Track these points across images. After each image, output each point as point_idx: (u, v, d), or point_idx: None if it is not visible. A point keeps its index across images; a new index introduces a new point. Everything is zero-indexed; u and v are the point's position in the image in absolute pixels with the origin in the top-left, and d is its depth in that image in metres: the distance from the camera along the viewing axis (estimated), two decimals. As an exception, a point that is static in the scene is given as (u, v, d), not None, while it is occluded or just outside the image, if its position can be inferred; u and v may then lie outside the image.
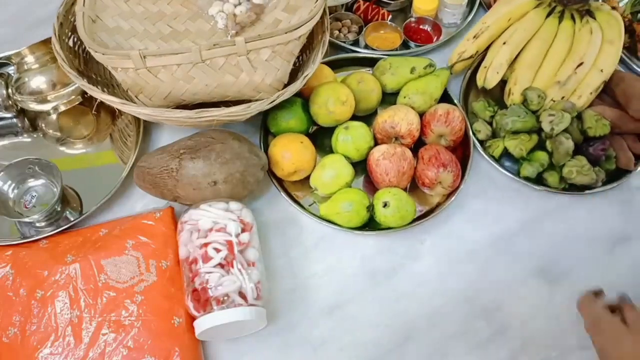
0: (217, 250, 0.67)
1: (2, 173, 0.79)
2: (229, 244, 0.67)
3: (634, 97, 0.83)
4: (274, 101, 0.73)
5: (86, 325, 0.68)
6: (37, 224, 0.78)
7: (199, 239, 0.68)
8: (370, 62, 0.92)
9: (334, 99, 0.80)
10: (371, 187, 0.81)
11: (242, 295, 0.65)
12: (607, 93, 0.88)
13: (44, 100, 0.84)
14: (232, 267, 0.66)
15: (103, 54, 0.71)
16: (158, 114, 0.72)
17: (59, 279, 0.70)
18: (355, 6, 1.02)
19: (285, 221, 0.79)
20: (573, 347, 0.70)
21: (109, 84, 0.86)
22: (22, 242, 0.75)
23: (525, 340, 0.71)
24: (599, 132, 0.80)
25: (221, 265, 0.66)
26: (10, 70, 0.89)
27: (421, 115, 0.84)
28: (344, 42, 0.96)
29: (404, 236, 0.78)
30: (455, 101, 0.87)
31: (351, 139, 0.80)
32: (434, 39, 0.98)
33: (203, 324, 0.64)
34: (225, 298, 0.64)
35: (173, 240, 0.73)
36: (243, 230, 0.70)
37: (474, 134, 0.84)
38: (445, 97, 0.87)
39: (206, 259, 0.66)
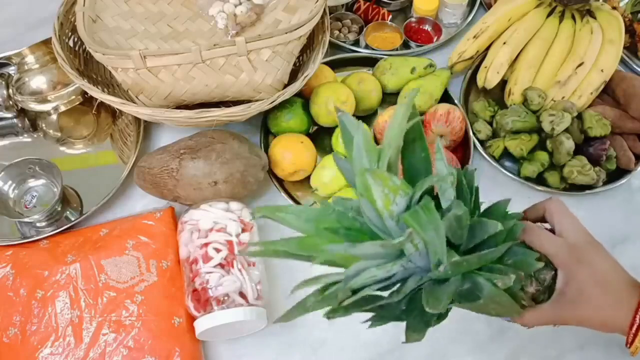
0: (218, 250, 0.67)
1: (2, 173, 0.79)
2: (230, 244, 0.67)
3: (634, 97, 0.83)
4: (274, 101, 0.73)
5: (86, 325, 0.68)
6: (38, 224, 0.78)
7: (200, 239, 0.68)
8: (371, 62, 0.92)
9: (334, 99, 0.80)
10: (371, 187, 0.81)
11: (242, 295, 0.65)
12: (608, 93, 0.88)
13: (45, 101, 0.84)
14: (233, 267, 0.66)
15: (103, 54, 0.71)
16: (158, 114, 0.72)
17: (60, 279, 0.70)
18: (355, 6, 1.02)
19: (285, 221, 0.79)
20: (573, 347, 0.70)
21: (109, 84, 0.86)
22: (22, 242, 0.75)
23: (525, 340, 0.71)
24: (599, 132, 0.80)
25: (221, 266, 0.66)
26: (11, 70, 0.89)
27: (421, 115, 0.84)
28: (344, 42, 0.96)
29: (404, 236, 0.78)
30: (456, 101, 0.87)
31: (351, 139, 0.80)
32: (435, 39, 0.98)
33: (203, 324, 0.64)
34: (226, 298, 0.65)
35: (173, 240, 0.73)
36: (243, 230, 0.70)
37: (474, 134, 0.84)
38: (446, 97, 0.87)
39: (206, 259, 0.66)
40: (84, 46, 0.83)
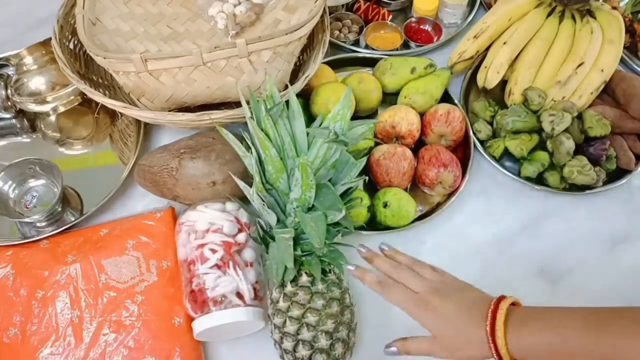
0: (214, 251, 0.67)
1: (2, 173, 0.79)
2: (226, 245, 0.67)
3: (634, 97, 0.83)
4: (274, 102, 0.74)
5: (87, 325, 0.68)
6: (38, 224, 0.78)
7: (196, 240, 0.68)
8: (371, 62, 0.92)
9: (334, 99, 0.80)
10: (371, 187, 0.81)
11: (239, 295, 0.65)
12: (608, 93, 0.88)
13: (43, 102, 0.84)
14: (229, 267, 0.66)
15: (104, 58, 0.70)
16: (160, 117, 0.72)
17: (60, 279, 0.71)
18: (355, 6, 1.02)
19: (285, 221, 0.79)
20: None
21: (111, 86, 0.86)
22: (22, 242, 0.75)
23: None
24: (599, 132, 0.80)
25: (218, 266, 0.66)
26: (10, 71, 0.89)
27: (421, 115, 0.84)
28: (345, 42, 0.96)
29: (404, 236, 0.78)
30: (456, 101, 0.87)
31: (351, 139, 0.80)
32: (435, 39, 0.98)
33: (200, 324, 0.64)
34: (223, 299, 0.65)
35: (173, 240, 0.73)
36: (240, 231, 0.70)
37: (474, 133, 0.84)
38: (446, 97, 0.87)
39: (203, 260, 0.67)
40: (84, 49, 0.83)
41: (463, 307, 0.55)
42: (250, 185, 0.64)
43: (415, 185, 0.82)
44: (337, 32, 0.99)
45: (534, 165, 0.80)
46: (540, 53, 0.87)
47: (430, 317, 0.55)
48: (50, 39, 0.78)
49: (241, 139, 0.66)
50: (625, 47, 0.92)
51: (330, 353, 0.62)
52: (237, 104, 0.74)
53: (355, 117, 0.85)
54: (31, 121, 0.89)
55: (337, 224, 0.63)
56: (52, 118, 0.88)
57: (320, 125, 0.66)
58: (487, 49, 0.91)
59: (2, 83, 0.85)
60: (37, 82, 0.86)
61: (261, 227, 0.67)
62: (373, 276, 0.61)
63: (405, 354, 0.58)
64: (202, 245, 0.67)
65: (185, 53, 0.69)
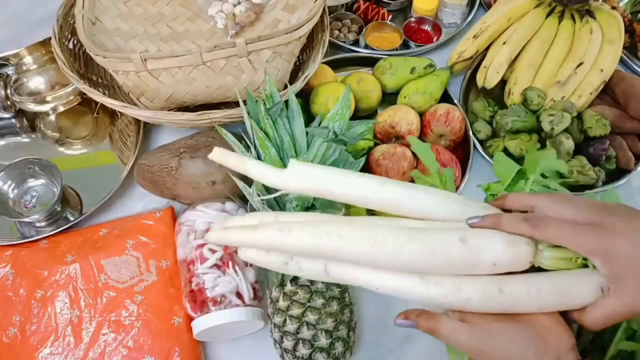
0: (213, 251, 0.67)
1: (2, 173, 0.79)
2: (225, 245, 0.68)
3: (634, 96, 0.83)
4: (274, 102, 0.74)
5: (86, 325, 0.68)
6: (37, 224, 0.78)
7: (196, 239, 0.68)
8: (370, 62, 0.92)
9: (333, 98, 0.80)
10: (371, 187, 0.81)
11: (239, 295, 0.65)
12: (607, 93, 0.88)
13: (43, 101, 0.84)
14: (228, 267, 0.66)
15: (104, 57, 0.70)
16: (160, 116, 0.72)
17: (59, 279, 0.71)
18: (355, 6, 1.02)
19: (285, 221, 0.79)
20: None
21: (110, 85, 0.86)
22: (22, 242, 0.75)
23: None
24: (599, 132, 0.80)
25: (217, 266, 0.66)
26: (9, 70, 0.89)
27: (421, 115, 0.84)
28: (344, 42, 0.97)
29: (404, 236, 0.78)
30: (455, 101, 0.87)
31: (351, 139, 0.80)
32: (434, 39, 0.98)
33: (200, 324, 0.64)
34: (222, 299, 0.65)
35: (173, 240, 0.73)
36: (240, 231, 0.70)
37: (474, 133, 0.84)
38: (446, 97, 0.87)
39: (202, 259, 0.67)
40: (83, 48, 0.82)
41: None
42: (250, 185, 0.64)
43: (415, 185, 0.82)
44: (336, 32, 0.99)
45: (533, 165, 0.80)
46: (539, 53, 0.88)
47: (618, 244, 0.39)
48: (49, 38, 0.78)
49: (240, 139, 0.66)
50: (624, 47, 0.92)
51: (330, 352, 0.62)
52: (237, 104, 0.74)
53: (355, 117, 0.85)
54: (31, 121, 0.89)
55: None
56: (52, 118, 0.88)
57: (319, 125, 0.66)
58: (487, 48, 0.92)
59: (2, 83, 0.85)
60: (36, 82, 0.86)
61: None
62: None
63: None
64: (201, 245, 0.67)
65: (185, 52, 0.69)
